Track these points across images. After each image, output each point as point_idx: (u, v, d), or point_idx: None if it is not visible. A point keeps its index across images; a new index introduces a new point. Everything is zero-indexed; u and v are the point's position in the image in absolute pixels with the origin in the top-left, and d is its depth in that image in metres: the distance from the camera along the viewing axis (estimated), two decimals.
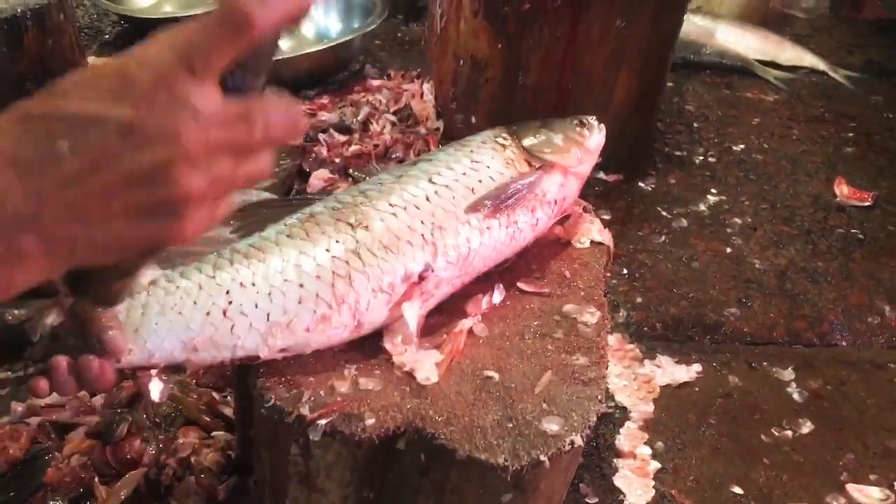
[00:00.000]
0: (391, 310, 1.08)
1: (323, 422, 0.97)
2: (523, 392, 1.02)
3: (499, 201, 1.15)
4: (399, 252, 1.07)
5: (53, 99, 0.60)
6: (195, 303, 1.00)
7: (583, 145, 1.29)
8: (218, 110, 0.62)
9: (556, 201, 1.24)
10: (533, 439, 0.96)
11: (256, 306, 1.01)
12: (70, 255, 0.63)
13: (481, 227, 1.14)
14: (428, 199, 1.12)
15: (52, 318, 0.94)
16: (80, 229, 0.61)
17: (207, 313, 1.00)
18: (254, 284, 1.02)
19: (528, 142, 1.25)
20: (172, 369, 1.03)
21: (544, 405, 1.00)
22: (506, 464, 0.93)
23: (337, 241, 1.06)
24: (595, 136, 1.32)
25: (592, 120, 1.34)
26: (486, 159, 1.20)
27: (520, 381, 1.04)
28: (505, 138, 1.25)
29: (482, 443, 0.95)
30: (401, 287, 1.08)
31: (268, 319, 1.01)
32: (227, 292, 1.01)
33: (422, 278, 1.09)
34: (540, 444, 0.95)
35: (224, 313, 1.00)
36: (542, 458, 0.94)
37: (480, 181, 1.17)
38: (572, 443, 0.96)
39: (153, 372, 0.99)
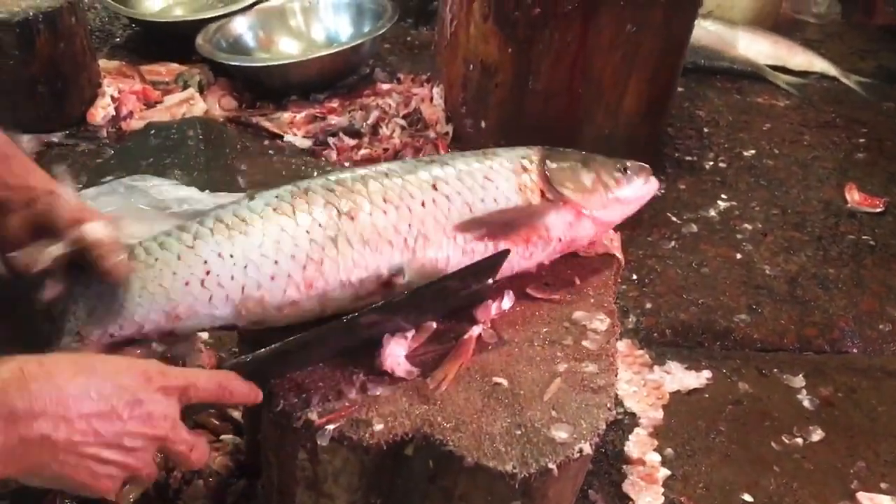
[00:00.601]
0: (355, 303, 1.08)
1: (331, 427, 0.97)
2: (532, 399, 1.02)
3: (491, 228, 1.11)
4: (376, 250, 1.07)
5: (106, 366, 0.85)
6: (175, 273, 1.03)
7: (612, 191, 1.20)
8: (178, 423, 0.90)
9: (560, 239, 1.19)
10: (541, 447, 0.95)
11: (232, 278, 1.03)
12: (32, 465, 0.79)
13: (465, 248, 1.12)
14: (423, 204, 1.10)
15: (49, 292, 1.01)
16: (67, 455, 0.79)
17: (186, 283, 1.02)
18: (231, 256, 1.03)
19: (554, 166, 1.18)
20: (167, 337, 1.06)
21: (553, 412, 1.00)
22: (514, 471, 0.93)
23: (320, 225, 1.06)
24: (631, 187, 1.23)
25: (637, 169, 1.25)
26: (500, 179, 1.15)
27: (529, 388, 1.04)
28: (532, 161, 1.19)
29: (490, 450, 0.95)
30: (369, 284, 1.07)
31: (242, 291, 1.03)
32: (206, 262, 1.03)
33: (391, 281, 1.08)
34: (548, 451, 0.95)
35: (202, 283, 1.02)
36: (551, 465, 0.94)
37: (483, 200, 1.13)
38: (581, 450, 0.96)
39: (154, 345, 1.04)
